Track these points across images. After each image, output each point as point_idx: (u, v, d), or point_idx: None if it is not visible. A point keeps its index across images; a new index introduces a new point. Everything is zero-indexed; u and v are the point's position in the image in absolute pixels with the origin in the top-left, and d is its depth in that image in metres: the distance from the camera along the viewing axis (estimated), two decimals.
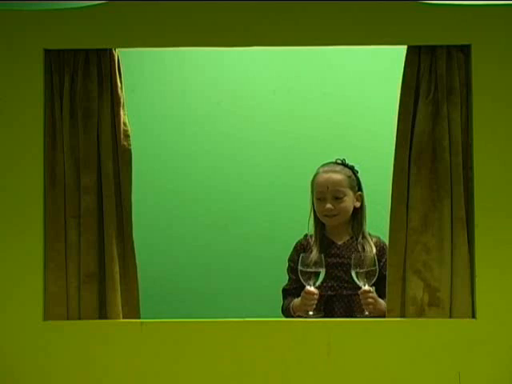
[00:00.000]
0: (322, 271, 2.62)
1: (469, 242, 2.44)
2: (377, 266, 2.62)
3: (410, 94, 2.47)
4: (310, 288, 2.63)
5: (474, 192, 2.42)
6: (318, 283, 2.63)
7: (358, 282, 2.62)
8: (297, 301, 2.75)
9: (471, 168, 2.44)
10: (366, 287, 2.61)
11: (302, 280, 2.64)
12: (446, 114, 2.45)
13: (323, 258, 2.64)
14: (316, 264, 2.62)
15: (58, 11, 2.50)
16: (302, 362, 2.42)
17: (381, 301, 2.68)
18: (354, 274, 2.62)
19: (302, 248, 2.87)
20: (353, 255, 2.65)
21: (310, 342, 2.42)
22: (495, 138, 2.43)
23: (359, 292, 2.64)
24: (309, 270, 2.62)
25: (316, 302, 2.64)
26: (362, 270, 2.60)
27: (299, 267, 2.64)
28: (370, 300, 2.62)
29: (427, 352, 2.41)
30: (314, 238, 2.86)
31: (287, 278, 2.91)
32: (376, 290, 2.81)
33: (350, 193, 2.82)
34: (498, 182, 2.42)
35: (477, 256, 2.42)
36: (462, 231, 2.43)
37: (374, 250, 2.81)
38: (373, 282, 2.62)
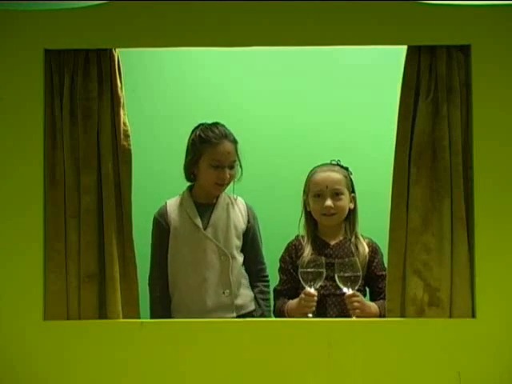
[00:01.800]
0: (323, 272, 2.61)
1: (469, 241, 2.44)
2: (360, 273, 2.60)
3: (410, 94, 2.48)
4: (310, 290, 2.61)
5: (474, 192, 2.43)
6: (318, 285, 2.62)
7: (341, 287, 2.61)
8: (292, 302, 2.73)
9: (471, 168, 2.44)
10: (350, 291, 2.60)
11: (302, 282, 2.62)
12: (446, 113, 2.45)
13: (323, 260, 2.63)
14: (316, 265, 2.61)
15: (58, 11, 2.50)
16: (303, 362, 2.42)
17: (370, 303, 2.68)
18: (337, 279, 2.60)
19: (294, 249, 2.86)
20: (335, 260, 2.64)
21: (310, 342, 2.42)
22: (495, 138, 2.43)
23: (344, 297, 2.62)
24: (309, 271, 2.60)
25: (315, 304, 2.63)
26: (344, 275, 2.58)
27: (300, 269, 2.63)
28: (355, 304, 2.61)
29: (427, 352, 2.41)
30: (306, 239, 2.85)
31: (279, 278, 2.89)
32: (370, 291, 2.81)
33: (347, 193, 2.82)
34: (498, 182, 2.42)
35: (477, 256, 2.42)
36: (462, 231, 2.44)
37: (367, 250, 2.81)
38: (357, 287, 2.61)
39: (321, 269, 2.61)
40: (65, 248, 2.49)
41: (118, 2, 2.49)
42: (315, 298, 2.62)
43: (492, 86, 2.43)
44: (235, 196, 2.96)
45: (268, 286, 2.96)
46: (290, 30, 2.48)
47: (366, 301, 2.71)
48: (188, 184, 2.96)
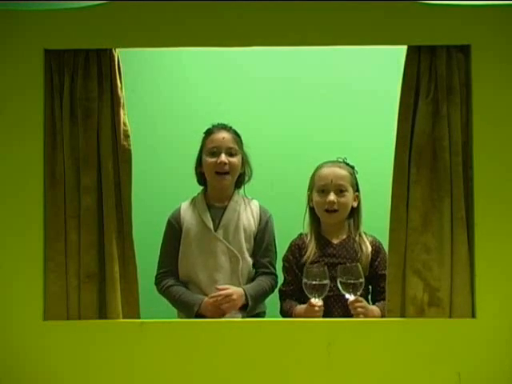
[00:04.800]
0: (327, 284, 2.59)
1: (469, 241, 2.44)
2: (363, 279, 2.59)
3: (410, 94, 2.48)
4: (315, 300, 2.60)
5: (474, 192, 2.43)
6: (323, 295, 2.60)
7: (342, 292, 2.59)
8: (299, 308, 2.73)
9: (471, 168, 2.44)
10: (352, 297, 2.58)
11: (306, 293, 2.61)
12: (446, 113, 2.45)
13: (327, 271, 2.62)
14: (320, 277, 2.59)
15: (58, 11, 2.50)
16: (302, 361, 2.42)
17: (372, 307, 2.67)
18: (339, 284, 2.59)
19: (297, 248, 2.85)
20: (338, 266, 2.63)
21: (310, 342, 2.42)
22: (495, 138, 2.43)
23: (348, 302, 2.61)
24: (314, 282, 2.58)
25: (322, 314, 2.61)
26: (347, 281, 2.57)
27: (303, 280, 2.61)
28: (359, 310, 2.59)
29: (427, 352, 2.41)
30: (309, 237, 2.85)
31: (283, 278, 2.89)
32: (372, 290, 2.81)
33: (351, 190, 2.82)
34: (498, 182, 2.42)
35: (477, 256, 2.42)
36: (462, 231, 2.44)
37: (370, 249, 2.80)
38: (359, 293, 2.59)
39: (325, 280, 2.58)
40: (65, 248, 2.49)
41: (118, 1, 2.49)
42: (321, 309, 2.60)
43: (492, 86, 2.43)
44: (250, 197, 2.96)
45: (270, 283, 2.86)
46: (290, 30, 2.48)
47: (369, 305, 2.68)
48: (198, 188, 2.97)
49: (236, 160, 2.85)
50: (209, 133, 2.89)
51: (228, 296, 2.73)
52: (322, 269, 2.62)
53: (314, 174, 2.87)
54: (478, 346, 2.40)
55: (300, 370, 2.41)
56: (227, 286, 2.77)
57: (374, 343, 2.42)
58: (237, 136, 2.89)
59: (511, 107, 2.43)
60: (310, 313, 2.61)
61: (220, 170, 2.84)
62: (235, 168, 2.86)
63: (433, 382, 2.40)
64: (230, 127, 2.90)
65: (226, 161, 2.82)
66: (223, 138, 2.85)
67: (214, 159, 2.83)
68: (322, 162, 2.89)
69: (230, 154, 2.85)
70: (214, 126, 2.92)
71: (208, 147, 2.86)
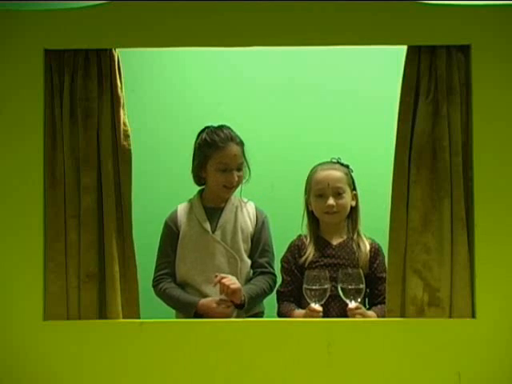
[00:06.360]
0: (328, 289, 2.59)
1: (469, 242, 2.44)
2: (364, 285, 2.59)
3: (410, 94, 2.48)
4: (315, 306, 2.59)
5: (474, 192, 2.43)
6: (323, 301, 2.59)
7: (343, 298, 2.59)
8: (298, 313, 2.72)
9: (471, 168, 2.44)
10: (353, 304, 2.57)
11: (307, 298, 2.61)
12: (446, 114, 2.45)
13: (328, 275, 2.62)
14: (321, 282, 2.58)
15: (58, 11, 2.50)
16: (302, 361, 2.42)
17: (370, 313, 2.67)
18: (340, 290, 2.59)
19: (296, 249, 2.84)
20: (339, 271, 2.62)
21: (310, 342, 2.43)
22: (495, 138, 2.43)
23: (347, 309, 2.60)
24: (314, 287, 2.59)
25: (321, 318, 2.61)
26: (348, 287, 2.57)
27: (304, 285, 2.61)
28: (358, 317, 2.58)
29: (427, 352, 2.41)
30: (308, 239, 2.84)
31: (281, 279, 2.88)
32: (370, 293, 2.80)
33: (348, 190, 2.81)
34: (498, 182, 2.43)
35: (477, 256, 2.42)
36: (462, 231, 2.44)
37: (368, 248, 2.80)
38: (359, 299, 2.59)
39: (326, 285, 2.58)
40: (65, 248, 2.49)
41: (118, 1, 2.49)
42: (321, 314, 2.59)
43: (492, 86, 2.43)
44: (246, 200, 2.96)
45: (268, 283, 2.84)
46: (290, 30, 2.48)
47: (367, 311, 2.68)
48: (198, 188, 2.96)
49: (242, 173, 2.88)
50: (217, 146, 2.83)
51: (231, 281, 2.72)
52: (322, 273, 2.62)
53: (309, 178, 2.86)
54: (478, 346, 2.40)
55: (300, 370, 2.42)
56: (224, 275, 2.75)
57: (374, 343, 2.42)
58: (242, 144, 2.89)
59: (511, 107, 2.43)
60: (310, 318, 2.60)
61: (229, 185, 2.85)
62: (241, 180, 2.89)
63: (433, 382, 2.40)
64: (237, 137, 2.87)
65: (236, 178, 2.85)
66: (234, 155, 2.84)
67: (223, 175, 2.84)
68: (317, 163, 2.88)
69: (239, 169, 2.86)
70: (219, 135, 2.84)
71: (218, 162, 2.83)
